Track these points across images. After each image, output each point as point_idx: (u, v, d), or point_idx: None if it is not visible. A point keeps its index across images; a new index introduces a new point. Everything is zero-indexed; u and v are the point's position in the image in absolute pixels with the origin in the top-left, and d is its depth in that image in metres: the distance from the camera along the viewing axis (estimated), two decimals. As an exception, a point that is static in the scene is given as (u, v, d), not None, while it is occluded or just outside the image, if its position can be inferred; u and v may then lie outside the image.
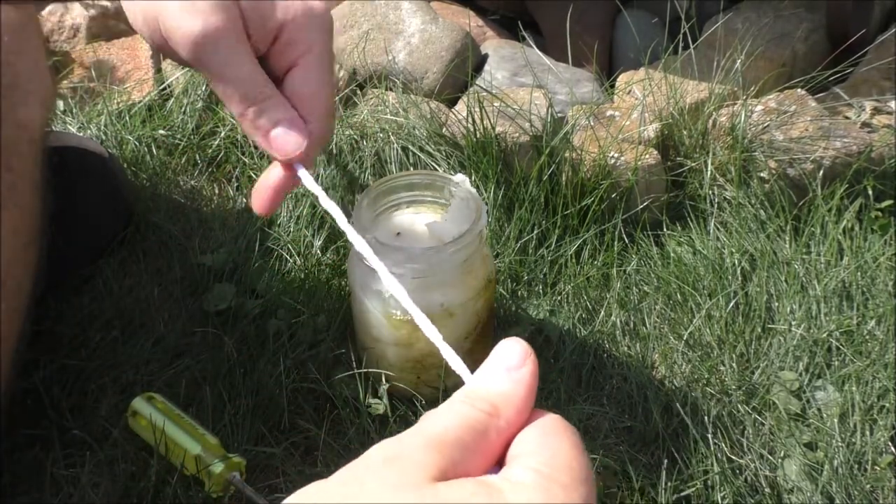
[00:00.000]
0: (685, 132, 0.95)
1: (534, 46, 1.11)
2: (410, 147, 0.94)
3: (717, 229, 0.90)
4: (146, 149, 1.00)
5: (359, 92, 1.06)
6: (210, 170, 1.00)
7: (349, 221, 0.45)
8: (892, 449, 0.71)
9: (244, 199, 0.96)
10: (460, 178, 0.70)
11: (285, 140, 0.46)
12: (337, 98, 1.02)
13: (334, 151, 0.94)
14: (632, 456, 0.71)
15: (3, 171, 0.59)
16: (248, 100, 0.46)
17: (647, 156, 0.89)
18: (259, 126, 0.46)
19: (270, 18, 0.46)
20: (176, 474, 0.68)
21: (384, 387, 0.74)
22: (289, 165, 0.48)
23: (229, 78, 0.45)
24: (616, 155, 0.89)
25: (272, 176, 0.50)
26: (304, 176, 0.48)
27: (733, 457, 0.71)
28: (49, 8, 1.21)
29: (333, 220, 0.45)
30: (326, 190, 0.92)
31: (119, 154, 0.97)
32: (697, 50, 1.03)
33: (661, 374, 0.78)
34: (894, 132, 0.92)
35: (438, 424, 0.29)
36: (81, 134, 0.99)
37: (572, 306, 0.84)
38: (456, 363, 0.34)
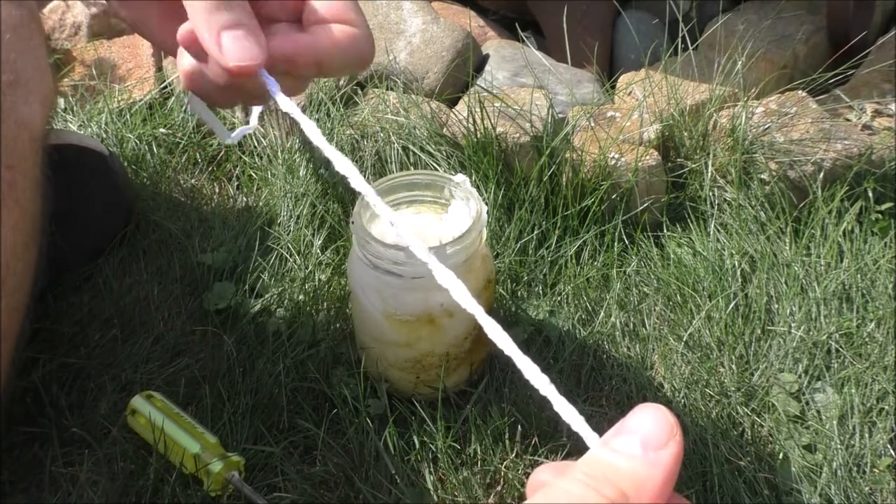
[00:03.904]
0: (686, 133, 0.95)
1: (534, 47, 1.11)
2: (411, 147, 0.94)
3: (718, 231, 0.90)
4: (147, 147, 1.00)
5: (359, 91, 1.06)
6: (210, 168, 1.00)
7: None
8: (892, 451, 0.71)
9: (245, 199, 0.96)
10: (460, 178, 0.70)
11: (235, 45, 0.40)
12: (337, 95, 1.02)
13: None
14: (631, 457, 0.71)
15: (4, 169, 0.59)
16: None
17: (648, 157, 0.89)
18: (211, 22, 0.40)
19: None
20: (175, 473, 0.68)
21: (383, 386, 0.74)
22: (245, 74, 0.41)
23: None
24: (616, 156, 0.89)
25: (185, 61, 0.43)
26: (281, 98, 0.41)
27: (732, 458, 0.71)
28: (50, 6, 1.21)
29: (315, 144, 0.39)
30: (326, 190, 0.93)
31: (119, 152, 0.97)
32: (698, 51, 1.03)
33: (660, 376, 0.78)
34: (895, 134, 0.92)
35: None
36: (82, 132, 0.99)
37: (572, 307, 0.84)
38: (571, 414, 0.28)
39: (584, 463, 0.25)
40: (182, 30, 0.43)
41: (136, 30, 0.50)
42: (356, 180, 0.37)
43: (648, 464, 0.25)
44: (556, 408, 0.28)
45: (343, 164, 0.38)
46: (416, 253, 0.35)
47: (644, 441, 0.25)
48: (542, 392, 0.29)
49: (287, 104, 0.41)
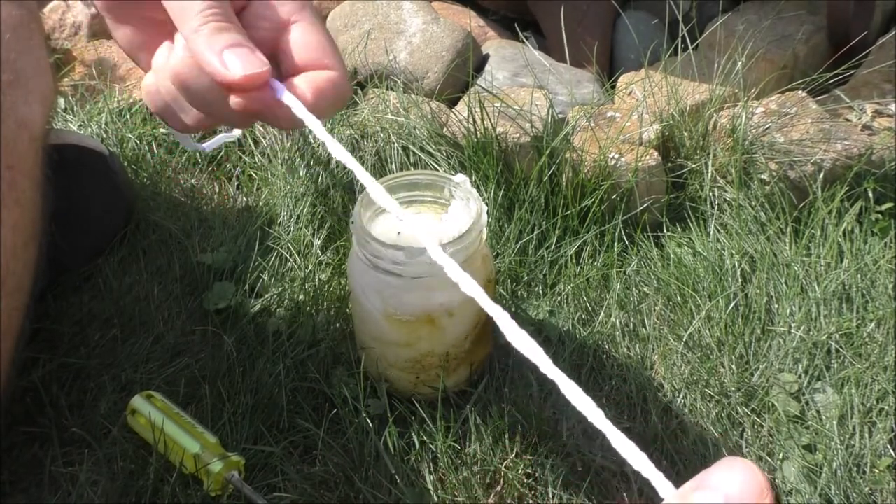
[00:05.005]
0: (686, 133, 0.95)
1: (534, 47, 1.11)
2: (411, 147, 0.94)
3: (718, 231, 0.90)
4: (147, 147, 1.00)
5: (360, 91, 1.06)
6: (210, 168, 1.00)
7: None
8: (892, 451, 0.71)
9: (245, 198, 0.96)
10: (461, 178, 0.70)
11: (240, 59, 0.40)
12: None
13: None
14: (631, 457, 0.71)
15: (4, 169, 0.59)
16: (211, 15, 0.40)
17: (648, 157, 0.89)
18: (213, 44, 0.40)
19: None
20: (175, 473, 0.68)
21: (383, 386, 0.74)
22: (254, 89, 0.41)
23: None
24: (616, 156, 0.89)
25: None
26: (290, 100, 0.41)
27: (732, 458, 0.71)
28: (50, 6, 1.21)
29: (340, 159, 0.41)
30: (326, 190, 0.93)
31: (119, 152, 0.97)
32: (698, 51, 1.03)
33: (660, 376, 0.78)
34: (895, 135, 0.92)
35: None
36: (82, 132, 0.99)
37: (572, 307, 0.84)
38: (639, 459, 0.25)
39: None
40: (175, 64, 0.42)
41: (127, 54, 0.50)
42: (372, 187, 0.39)
43: None
44: (619, 450, 0.25)
45: (359, 171, 0.40)
46: (433, 255, 0.35)
47: (728, 500, 0.23)
48: (596, 425, 0.26)
49: (301, 111, 0.41)
